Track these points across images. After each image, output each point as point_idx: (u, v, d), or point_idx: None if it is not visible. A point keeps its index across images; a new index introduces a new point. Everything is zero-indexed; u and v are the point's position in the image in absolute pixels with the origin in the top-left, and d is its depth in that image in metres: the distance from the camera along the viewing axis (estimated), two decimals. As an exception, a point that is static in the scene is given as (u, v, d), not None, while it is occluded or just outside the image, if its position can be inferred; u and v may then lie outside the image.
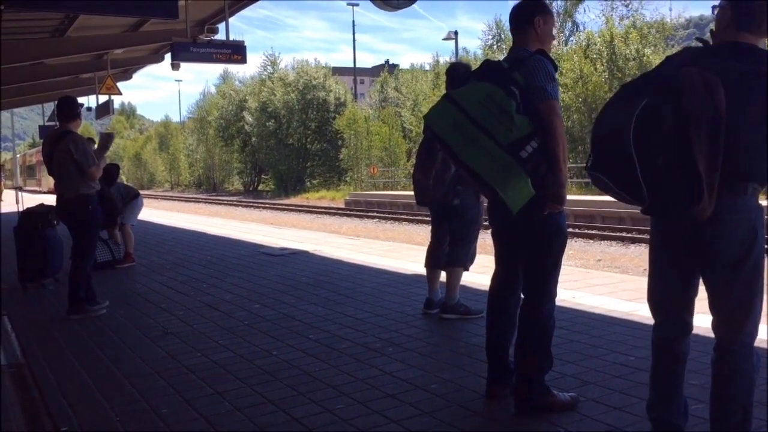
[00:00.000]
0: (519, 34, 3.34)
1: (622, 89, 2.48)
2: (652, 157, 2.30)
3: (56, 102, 6.28)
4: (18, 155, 52.16)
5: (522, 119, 2.95)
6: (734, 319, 2.48)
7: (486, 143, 2.92)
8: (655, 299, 2.69)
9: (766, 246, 2.56)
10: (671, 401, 2.66)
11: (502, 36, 37.29)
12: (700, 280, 2.58)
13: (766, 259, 2.51)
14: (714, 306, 2.52)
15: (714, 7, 2.94)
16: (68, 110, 6.02)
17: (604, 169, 2.44)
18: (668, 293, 2.64)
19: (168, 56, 12.70)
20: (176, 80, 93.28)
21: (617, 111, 2.40)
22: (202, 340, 4.89)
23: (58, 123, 6.23)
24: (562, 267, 3.41)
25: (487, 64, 3.31)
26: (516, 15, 3.36)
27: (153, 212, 20.83)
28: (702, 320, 2.85)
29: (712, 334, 2.58)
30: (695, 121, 2.24)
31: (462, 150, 3.00)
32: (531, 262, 3.32)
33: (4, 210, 17.62)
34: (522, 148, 2.91)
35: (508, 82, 3.04)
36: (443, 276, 5.32)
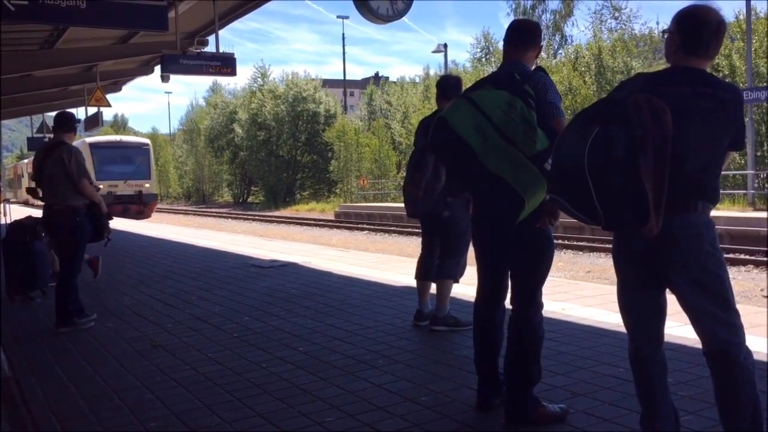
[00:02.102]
0: (521, 50, 3.34)
1: (576, 117, 2.56)
2: (606, 182, 2.38)
3: (54, 115, 6.33)
4: (25, 161, 50.98)
5: (541, 133, 3.00)
6: (716, 320, 2.54)
7: (511, 153, 2.98)
8: (624, 311, 2.78)
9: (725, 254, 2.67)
10: (659, 412, 2.69)
11: (491, 49, 37.65)
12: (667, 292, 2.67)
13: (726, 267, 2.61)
14: (690, 315, 2.59)
15: (663, 32, 3.02)
16: (66, 123, 6.08)
17: (562, 193, 2.54)
18: (636, 305, 2.72)
19: (158, 68, 12.72)
20: (166, 92, 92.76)
21: (573, 139, 2.48)
22: (191, 353, 4.86)
23: (53, 135, 6.26)
24: (552, 279, 3.44)
25: (500, 71, 3.33)
26: (530, 31, 3.37)
27: (141, 224, 20.74)
28: (687, 331, 2.86)
29: (698, 345, 2.59)
30: (642, 146, 2.34)
31: (484, 155, 3.03)
32: (522, 273, 3.33)
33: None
34: (545, 160, 2.95)
35: (524, 93, 3.06)
36: (433, 288, 5.32)
